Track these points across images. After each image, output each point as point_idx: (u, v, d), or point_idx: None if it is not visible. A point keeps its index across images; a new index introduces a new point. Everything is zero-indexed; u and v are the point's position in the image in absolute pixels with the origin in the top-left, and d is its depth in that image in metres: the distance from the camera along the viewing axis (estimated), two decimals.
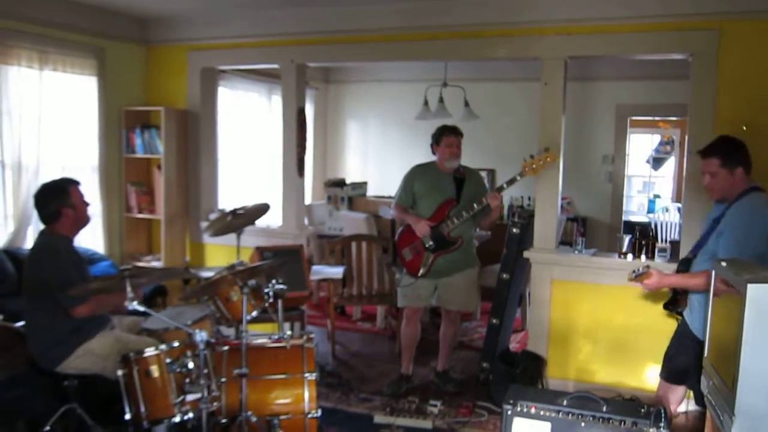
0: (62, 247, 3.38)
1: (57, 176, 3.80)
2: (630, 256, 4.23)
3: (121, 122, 5.55)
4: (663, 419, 2.79)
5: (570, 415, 2.89)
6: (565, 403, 2.93)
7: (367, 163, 8.36)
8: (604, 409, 2.88)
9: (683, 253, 3.79)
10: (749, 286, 2.12)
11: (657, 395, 3.41)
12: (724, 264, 2.46)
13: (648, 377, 4.16)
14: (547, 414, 2.92)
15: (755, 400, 2.16)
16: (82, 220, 3.48)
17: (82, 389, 3.22)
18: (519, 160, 4.22)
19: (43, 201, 3.38)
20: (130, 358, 2.92)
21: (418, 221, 4.25)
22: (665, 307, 3.44)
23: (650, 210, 9.09)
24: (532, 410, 2.95)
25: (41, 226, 3.46)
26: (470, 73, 6.94)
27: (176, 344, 3.01)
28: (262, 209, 4.12)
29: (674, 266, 3.43)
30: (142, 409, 2.90)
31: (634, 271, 3.27)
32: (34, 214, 4.10)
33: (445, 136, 4.32)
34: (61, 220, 3.37)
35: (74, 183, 3.47)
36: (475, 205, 4.14)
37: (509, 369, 4.24)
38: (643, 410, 2.87)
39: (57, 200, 3.36)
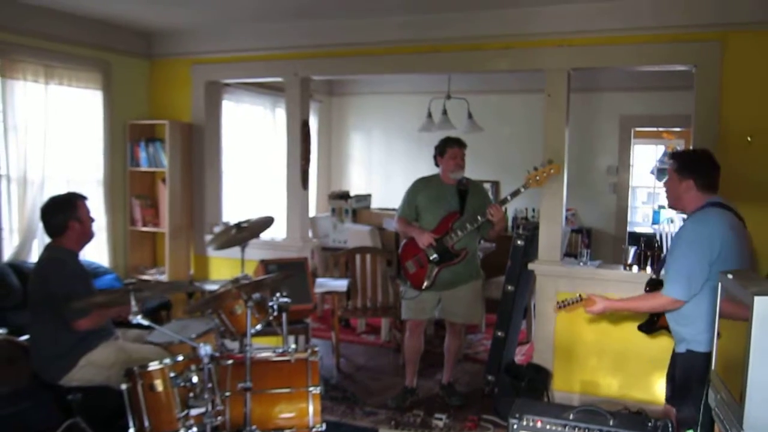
0: (68, 260, 3.39)
1: (62, 190, 3.81)
2: (635, 268, 4.21)
3: (125, 136, 5.58)
4: None
5: (576, 429, 2.87)
6: (571, 417, 2.91)
7: (371, 175, 8.37)
8: (611, 423, 2.86)
9: None
10: (756, 298, 2.10)
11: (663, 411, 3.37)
12: (730, 276, 2.44)
13: (654, 390, 4.12)
14: (554, 428, 2.90)
15: (764, 413, 2.14)
16: (87, 235, 3.51)
17: (86, 403, 3.21)
18: (523, 172, 4.22)
19: (50, 214, 3.40)
20: (134, 372, 2.92)
21: (422, 233, 4.24)
22: (640, 328, 3.41)
23: (655, 221, 9.07)
24: (538, 424, 2.93)
25: (46, 240, 3.48)
26: (474, 85, 6.96)
27: (180, 358, 3.00)
28: (267, 222, 4.12)
29: None
30: (146, 423, 2.89)
31: (563, 302, 3.26)
32: (40, 228, 4.12)
33: (450, 148, 4.32)
34: (68, 234, 3.39)
35: (82, 198, 3.50)
36: (479, 218, 4.14)
37: (514, 382, 4.22)
38: (650, 424, 2.85)
39: (65, 213, 3.38)
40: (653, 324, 3.36)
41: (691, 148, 3.21)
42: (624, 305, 3.19)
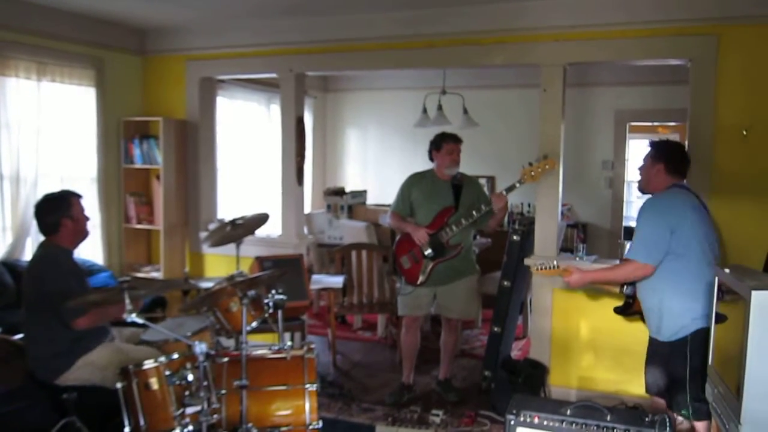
0: (62, 258, 3.37)
1: (56, 188, 3.78)
2: None
3: (119, 133, 5.54)
4: (668, 428, 2.76)
5: (574, 424, 2.86)
6: (568, 412, 2.91)
7: (367, 171, 8.35)
8: (608, 418, 2.85)
9: None
10: (753, 293, 2.11)
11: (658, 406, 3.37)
12: (727, 270, 2.45)
13: None
14: (551, 424, 2.90)
15: (761, 407, 2.14)
16: (81, 233, 3.48)
17: (82, 402, 3.19)
18: (518, 167, 4.21)
19: (44, 211, 3.38)
20: (130, 371, 2.90)
21: (417, 229, 4.23)
22: (616, 311, 3.53)
23: None
24: (536, 420, 2.93)
25: (40, 238, 3.46)
26: (469, 81, 6.93)
27: (176, 356, 2.98)
28: (262, 219, 4.10)
29: None
30: (142, 422, 2.87)
31: (541, 264, 3.43)
32: (33, 226, 4.10)
33: (446, 143, 4.31)
34: (61, 232, 3.36)
35: (76, 196, 3.49)
36: (474, 212, 4.13)
37: (511, 377, 4.21)
38: (647, 419, 2.85)
39: (59, 211, 3.36)
40: (628, 306, 3.43)
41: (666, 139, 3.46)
42: (599, 275, 3.35)
